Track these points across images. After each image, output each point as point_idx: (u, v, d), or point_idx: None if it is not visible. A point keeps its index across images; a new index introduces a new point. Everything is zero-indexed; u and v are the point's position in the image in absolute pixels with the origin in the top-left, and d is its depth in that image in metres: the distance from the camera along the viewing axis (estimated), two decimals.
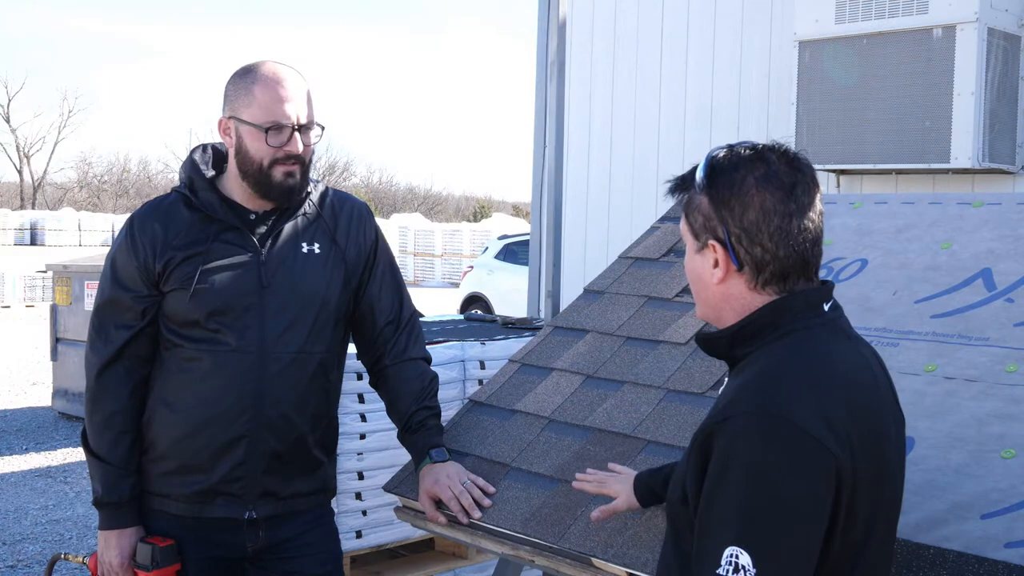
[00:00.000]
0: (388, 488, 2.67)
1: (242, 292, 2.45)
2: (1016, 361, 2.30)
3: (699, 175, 1.69)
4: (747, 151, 1.67)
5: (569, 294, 3.79)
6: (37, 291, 19.63)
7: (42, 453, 8.18)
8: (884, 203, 3.01)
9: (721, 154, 1.68)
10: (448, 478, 2.48)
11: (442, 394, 2.74)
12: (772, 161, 1.65)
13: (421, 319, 3.32)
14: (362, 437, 3.48)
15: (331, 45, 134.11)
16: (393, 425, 2.69)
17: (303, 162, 2.49)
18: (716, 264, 1.67)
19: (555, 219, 4.69)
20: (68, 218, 43.96)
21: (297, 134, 2.46)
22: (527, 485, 2.45)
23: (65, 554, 2.86)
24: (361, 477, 3.49)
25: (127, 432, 2.49)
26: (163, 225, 2.48)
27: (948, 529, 2.00)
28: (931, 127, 5.31)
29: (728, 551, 1.48)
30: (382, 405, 2.73)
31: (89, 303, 8.94)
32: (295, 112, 2.45)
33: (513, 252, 14.77)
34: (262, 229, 2.52)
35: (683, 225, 1.74)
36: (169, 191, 2.58)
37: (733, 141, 1.73)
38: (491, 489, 2.47)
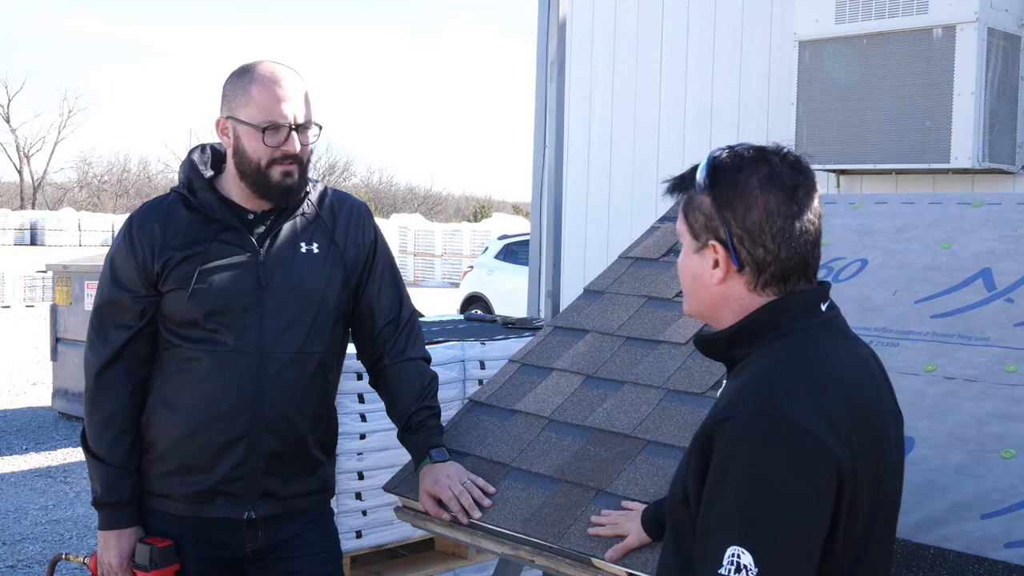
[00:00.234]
0: (388, 488, 2.67)
1: (241, 292, 2.45)
2: (1016, 361, 2.30)
3: (701, 175, 1.69)
4: (750, 152, 1.67)
5: (569, 294, 3.79)
6: (37, 291, 19.63)
7: (42, 453, 8.18)
8: (884, 203, 3.00)
9: (724, 155, 1.68)
10: (448, 478, 2.48)
11: (442, 394, 2.74)
12: (775, 163, 1.65)
13: (421, 319, 3.32)
14: (362, 437, 3.48)
15: (331, 45, 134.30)
16: (393, 425, 2.69)
17: (301, 162, 2.49)
18: (716, 264, 1.67)
19: (555, 219, 4.69)
20: (68, 218, 43.97)
21: (294, 134, 2.45)
22: (527, 485, 2.45)
23: (66, 554, 2.86)
24: (361, 477, 3.48)
25: (127, 432, 2.49)
26: (162, 225, 2.48)
27: (948, 529, 2.00)
28: (931, 127, 5.31)
29: (730, 551, 1.48)
30: (382, 405, 2.73)
31: (89, 303, 8.94)
32: (292, 112, 2.44)
33: (513, 252, 14.77)
34: (260, 229, 2.51)
35: (681, 225, 1.73)
36: (168, 191, 2.58)
37: (733, 141, 1.74)
38: (491, 489, 2.47)
